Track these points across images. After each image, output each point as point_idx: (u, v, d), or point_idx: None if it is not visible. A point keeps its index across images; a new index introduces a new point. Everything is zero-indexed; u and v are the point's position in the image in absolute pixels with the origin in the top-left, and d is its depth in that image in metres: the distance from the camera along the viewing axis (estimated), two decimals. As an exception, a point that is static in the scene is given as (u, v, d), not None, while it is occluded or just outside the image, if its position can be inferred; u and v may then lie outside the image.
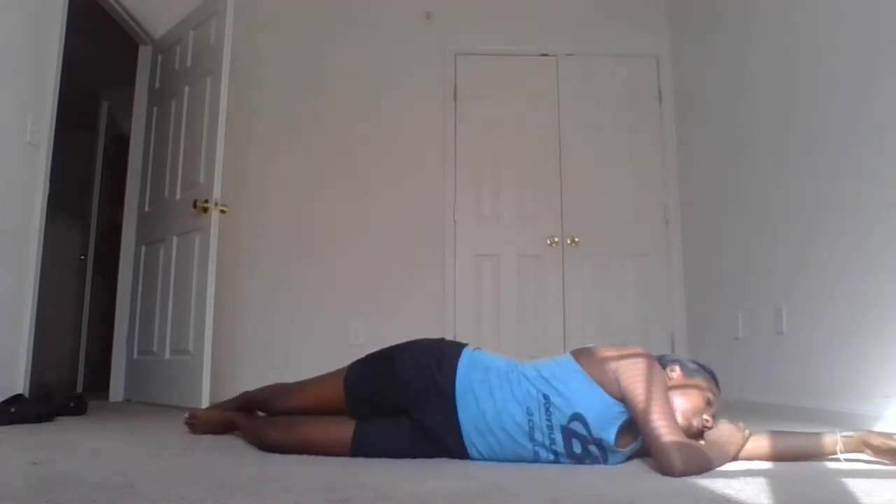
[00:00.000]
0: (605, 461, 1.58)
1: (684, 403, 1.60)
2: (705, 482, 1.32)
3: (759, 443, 1.63)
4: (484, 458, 1.63)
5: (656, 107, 4.60)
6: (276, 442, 1.75)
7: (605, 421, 1.55)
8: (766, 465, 1.59)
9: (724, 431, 1.60)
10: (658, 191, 4.51)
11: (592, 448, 1.57)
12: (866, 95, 2.67)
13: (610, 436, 1.55)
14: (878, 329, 2.55)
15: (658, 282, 4.42)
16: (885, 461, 1.53)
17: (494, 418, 1.60)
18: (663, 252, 4.45)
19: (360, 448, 1.67)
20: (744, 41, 3.68)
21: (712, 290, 4.02)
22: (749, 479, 1.35)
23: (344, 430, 1.70)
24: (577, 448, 1.57)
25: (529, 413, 1.58)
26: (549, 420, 1.57)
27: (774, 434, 1.66)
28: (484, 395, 1.62)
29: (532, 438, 1.59)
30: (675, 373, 1.66)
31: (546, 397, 1.58)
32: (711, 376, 1.68)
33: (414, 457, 1.65)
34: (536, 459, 1.60)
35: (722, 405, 1.69)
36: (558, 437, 1.57)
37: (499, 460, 1.62)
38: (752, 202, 3.55)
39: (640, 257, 4.45)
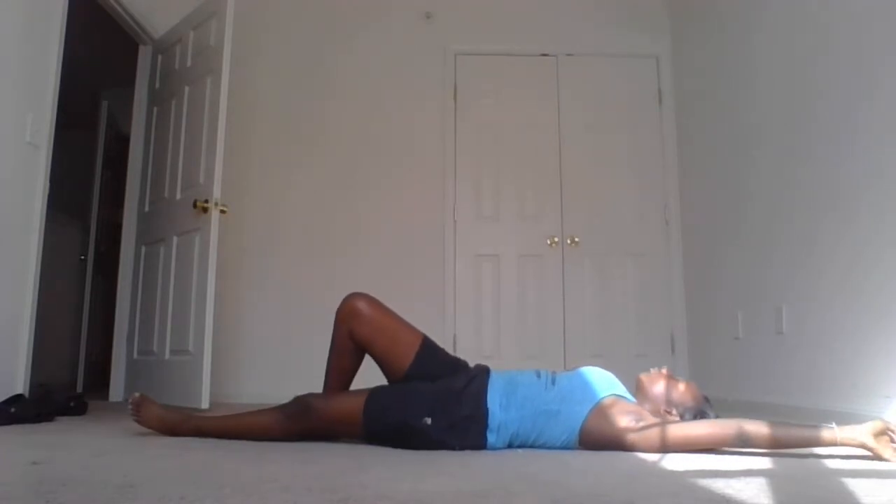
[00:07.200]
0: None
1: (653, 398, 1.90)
2: (705, 482, 1.32)
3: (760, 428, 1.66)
4: (498, 404, 1.84)
5: (656, 107, 4.60)
6: (316, 408, 1.92)
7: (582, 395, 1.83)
8: (767, 464, 1.59)
9: None
10: (658, 191, 4.51)
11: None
12: (869, 96, 2.67)
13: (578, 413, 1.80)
14: (879, 329, 2.55)
15: (658, 282, 4.42)
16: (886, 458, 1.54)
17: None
18: (663, 252, 4.45)
19: (375, 399, 1.89)
20: (744, 41, 3.68)
21: (712, 290, 4.02)
22: (749, 479, 1.35)
23: (360, 396, 1.93)
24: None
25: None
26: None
27: (773, 423, 1.70)
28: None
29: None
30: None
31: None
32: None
33: (426, 411, 1.82)
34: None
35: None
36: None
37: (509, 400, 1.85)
38: (752, 202, 3.55)
39: (640, 257, 4.45)
